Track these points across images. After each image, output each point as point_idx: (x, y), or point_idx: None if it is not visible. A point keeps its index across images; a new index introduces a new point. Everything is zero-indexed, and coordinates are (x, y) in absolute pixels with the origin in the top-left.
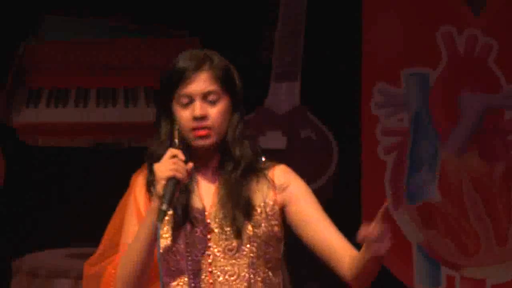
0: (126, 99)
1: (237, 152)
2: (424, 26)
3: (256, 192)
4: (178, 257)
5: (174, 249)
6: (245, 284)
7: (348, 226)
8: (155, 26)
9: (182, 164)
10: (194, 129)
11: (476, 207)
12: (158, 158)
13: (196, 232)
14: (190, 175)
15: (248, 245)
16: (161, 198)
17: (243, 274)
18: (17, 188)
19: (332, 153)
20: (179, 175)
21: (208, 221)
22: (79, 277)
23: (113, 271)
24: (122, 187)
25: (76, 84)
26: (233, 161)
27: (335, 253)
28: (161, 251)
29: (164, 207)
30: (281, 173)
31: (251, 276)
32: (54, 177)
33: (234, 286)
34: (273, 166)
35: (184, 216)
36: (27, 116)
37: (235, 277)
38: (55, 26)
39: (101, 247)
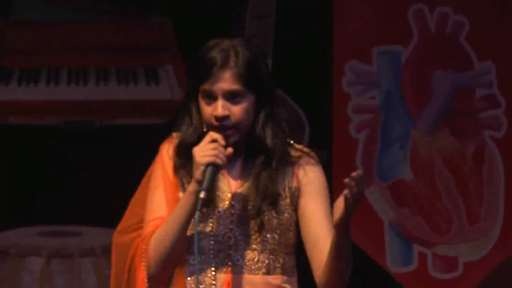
0: (98, 78)
1: (269, 145)
2: (396, 4)
3: (281, 178)
4: (201, 236)
5: (197, 228)
6: (264, 270)
7: None
8: (125, 7)
9: (222, 149)
10: (216, 127)
11: (448, 185)
12: (189, 145)
13: (219, 213)
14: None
15: (270, 233)
16: (199, 185)
17: (263, 259)
18: None
19: (304, 131)
20: (219, 161)
21: (233, 202)
22: (50, 255)
23: (143, 246)
24: (93, 165)
25: (47, 63)
26: (264, 154)
27: (315, 251)
28: (189, 232)
29: (202, 195)
30: (307, 164)
31: (271, 262)
32: (23, 156)
33: (253, 270)
34: (301, 153)
35: (209, 195)
36: None
37: (255, 261)
38: (24, 6)
39: (128, 216)
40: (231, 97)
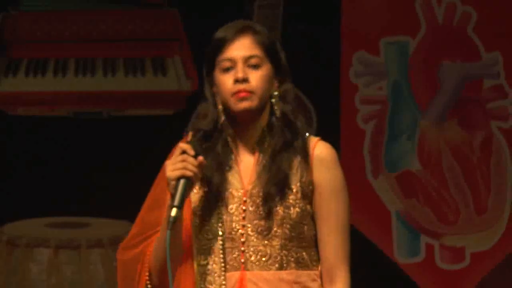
0: (105, 69)
1: (285, 128)
2: None
3: (294, 169)
4: (210, 236)
5: (206, 227)
6: (277, 265)
7: None
8: None
9: (191, 160)
10: (235, 92)
11: (456, 176)
12: (205, 135)
13: (231, 210)
14: (202, 169)
15: (280, 227)
16: (171, 201)
17: (275, 255)
18: None
19: (311, 122)
20: (189, 173)
21: (245, 199)
22: (58, 246)
23: (148, 257)
24: (101, 156)
25: (55, 53)
26: (277, 136)
27: (321, 263)
28: (190, 232)
29: (173, 213)
30: (323, 155)
31: (283, 257)
32: (33, 146)
33: (266, 267)
34: (317, 143)
35: (220, 193)
36: (6, 85)
37: (267, 257)
38: None
39: (136, 227)
40: (251, 61)
